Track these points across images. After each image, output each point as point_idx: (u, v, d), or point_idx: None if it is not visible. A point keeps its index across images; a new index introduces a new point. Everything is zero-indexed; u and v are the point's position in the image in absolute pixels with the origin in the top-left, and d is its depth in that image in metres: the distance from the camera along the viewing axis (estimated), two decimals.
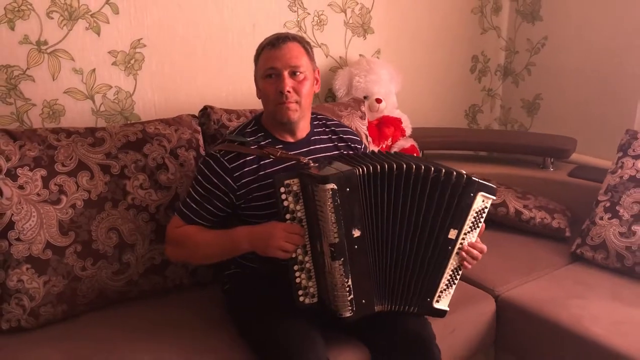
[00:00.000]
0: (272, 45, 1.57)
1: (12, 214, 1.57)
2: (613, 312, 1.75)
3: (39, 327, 1.61)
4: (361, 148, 1.77)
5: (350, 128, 1.84)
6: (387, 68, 2.55)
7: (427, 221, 1.49)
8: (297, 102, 1.56)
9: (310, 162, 1.52)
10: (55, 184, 1.63)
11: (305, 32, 2.48)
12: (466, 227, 1.50)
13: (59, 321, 1.64)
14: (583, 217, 2.18)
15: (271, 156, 1.57)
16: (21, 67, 1.90)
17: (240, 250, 1.54)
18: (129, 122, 2.11)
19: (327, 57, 2.59)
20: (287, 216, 1.46)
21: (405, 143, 2.55)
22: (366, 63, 2.52)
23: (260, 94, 1.62)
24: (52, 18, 1.92)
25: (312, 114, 1.73)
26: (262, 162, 1.59)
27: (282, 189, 1.44)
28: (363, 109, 2.32)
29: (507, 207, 2.31)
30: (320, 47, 2.55)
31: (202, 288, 1.84)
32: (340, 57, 2.63)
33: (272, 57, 1.56)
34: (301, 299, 1.49)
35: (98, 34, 2.01)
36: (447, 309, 1.58)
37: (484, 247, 1.57)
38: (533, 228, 2.29)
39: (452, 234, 1.50)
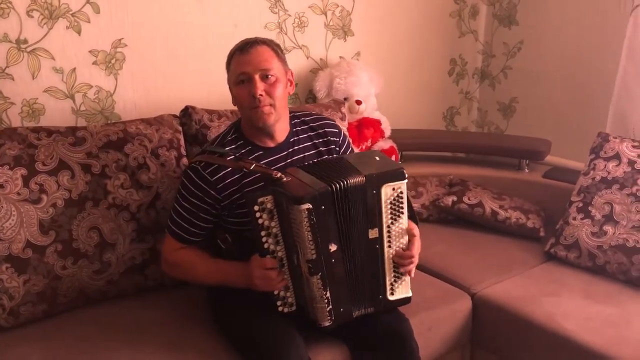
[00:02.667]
0: (242, 51, 1.57)
1: None
2: (584, 309, 1.80)
3: (19, 326, 1.61)
4: (339, 140, 1.77)
5: (329, 119, 1.83)
6: (367, 70, 2.59)
7: (357, 227, 1.49)
8: (271, 104, 1.56)
9: (283, 176, 1.50)
10: (36, 183, 1.63)
11: (286, 34, 2.50)
12: (386, 221, 1.50)
13: (39, 320, 1.64)
14: (557, 217, 2.23)
15: (244, 169, 1.57)
16: (0, 66, 1.89)
17: (238, 287, 1.56)
18: (109, 121, 2.11)
19: (307, 58, 2.61)
20: (262, 233, 1.46)
21: (384, 144, 2.59)
22: (346, 65, 2.55)
23: (235, 100, 1.62)
24: (32, 17, 1.91)
25: (290, 112, 1.73)
26: (244, 172, 1.59)
27: (256, 207, 1.44)
28: (343, 110, 2.35)
29: (483, 208, 2.36)
30: (301, 48, 2.57)
31: (184, 287, 1.84)
32: (320, 59, 2.65)
33: (242, 62, 1.56)
34: (280, 308, 1.52)
35: (79, 33, 2.01)
36: (409, 294, 1.59)
37: (413, 251, 1.54)
38: (508, 228, 2.34)
39: (373, 233, 1.50)
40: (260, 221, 1.45)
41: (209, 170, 1.57)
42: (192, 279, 1.68)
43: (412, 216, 1.61)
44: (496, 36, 3.17)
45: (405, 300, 1.59)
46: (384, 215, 1.49)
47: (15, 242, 1.58)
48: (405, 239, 1.55)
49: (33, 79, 1.96)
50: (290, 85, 1.66)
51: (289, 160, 1.65)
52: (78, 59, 2.03)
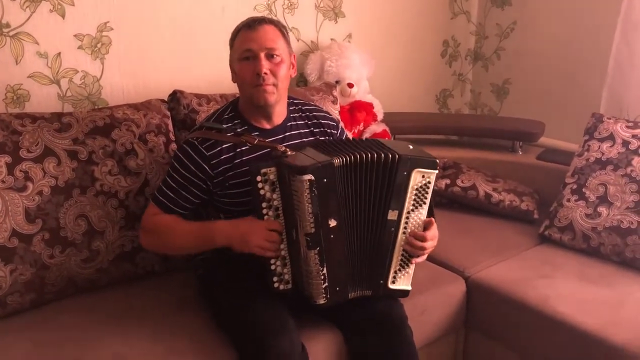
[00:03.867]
0: (249, 27, 1.55)
1: None
2: (579, 291, 1.79)
3: (7, 316, 1.58)
4: (337, 133, 1.76)
5: (327, 112, 1.82)
6: (359, 53, 2.55)
7: (373, 205, 1.48)
8: (274, 84, 1.55)
9: (288, 150, 1.50)
10: (21, 171, 1.60)
11: (275, 16, 2.45)
12: (408, 206, 1.49)
13: (27, 310, 1.61)
14: (551, 199, 2.22)
15: (248, 144, 1.55)
16: None
17: (216, 244, 1.52)
18: (96, 107, 2.07)
19: (298, 41, 2.57)
20: (263, 204, 1.45)
21: (377, 128, 2.55)
22: (338, 47, 2.51)
23: (236, 77, 1.60)
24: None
25: (289, 98, 1.71)
26: (238, 150, 1.57)
27: (259, 178, 1.42)
28: (335, 93, 2.32)
29: (477, 190, 2.34)
30: (291, 30, 2.52)
31: (175, 274, 1.83)
32: (311, 42, 2.61)
33: (249, 39, 1.54)
34: (276, 285, 1.50)
35: (63, 16, 1.96)
36: (408, 288, 1.57)
37: (428, 234, 1.51)
38: (502, 210, 2.32)
39: (392, 214, 1.48)
40: (262, 192, 1.43)
41: (206, 145, 1.55)
42: (170, 244, 1.60)
43: (431, 214, 1.58)
44: (489, 17, 3.13)
45: (404, 293, 1.57)
46: (407, 199, 1.47)
47: (0, 231, 1.55)
48: (420, 230, 1.53)
49: (16, 64, 1.91)
50: (292, 68, 1.64)
51: (285, 144, 1.62)
52: (63, 43, 1.98)
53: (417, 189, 1.48)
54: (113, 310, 1.63)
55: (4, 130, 1.61)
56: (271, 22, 1.58)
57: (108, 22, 2.05)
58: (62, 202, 1.64)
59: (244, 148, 1.57)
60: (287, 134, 1.66)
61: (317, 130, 1.72)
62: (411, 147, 1.54)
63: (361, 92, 2.56)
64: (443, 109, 3.27)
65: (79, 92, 2.06)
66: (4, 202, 1.56)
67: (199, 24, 2.25)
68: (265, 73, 1.52)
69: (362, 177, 1.46)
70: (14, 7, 1.87)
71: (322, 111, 1.79)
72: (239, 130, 1.59)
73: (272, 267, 1.48)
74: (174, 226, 1.56)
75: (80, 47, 2.02)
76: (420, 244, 1.51)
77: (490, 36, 3.15)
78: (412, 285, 1.59)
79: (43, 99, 1.99)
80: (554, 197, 2.19)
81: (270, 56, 1.54)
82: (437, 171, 1.49)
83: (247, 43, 1.54)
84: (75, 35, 2.00)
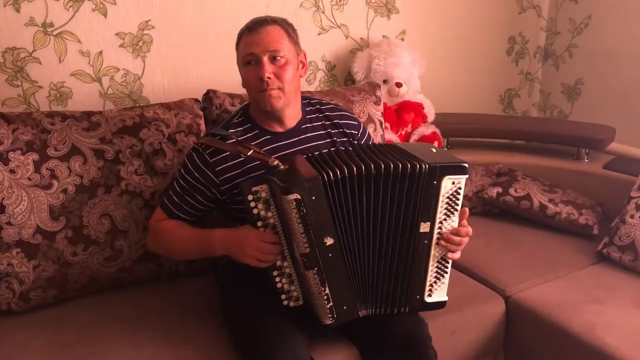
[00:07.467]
0: (250, 30, 1.49)
1: (3, 198, 1.56)
2: (632, 320, 1.60)
3: (30, 310, 1.62)
4: (357, 134, 1.67)
5: (349, 112, 1.73)
6: (409, 51, 2.42)
7: (398, 218, 1.37)
8: (279, 88, 1.48)
9: (280, 164, 1.42)
10: (47, 169, 1.62)
11: (323, 12, 2.38)
12: (440, 216, 1.39)
13: (50, 305, 1.64)
14: (617, 213, 2.00)
15: (241, 155, 1.49)
16: (27, 49, 1.90)
17: (215, 253, 1.48)
18: (137, 105, 2.09)
19: (347, 38, 2.47)
20: (259, 224, 1.37)
21: (426, 130, 2.42)
22: (387, 45, 2.39)
23: (243, 82, 1.54)
24: None
25: (305, 98, 1.64)
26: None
27: (250, 197, 1.35)
28: (378, 93, 2.20)
29: (531, 201, 2.16)
30: (339, 27, 2.44)
31: (198, 277, 1.81)
32: (361, 39, 2.51)
33: (251, 43, 1.48)
34: (285, 302, 1.43)
35: (105, 15, 1.99)
36: (445, 299, 1.48)
37: (469, 229, 1.44)
38: (558, 224, 2.13)
39: (424, 227, 1.38)
40: (255, 211, 1.36)
41: (210, 151, 1.51)
42: (172, 249, 1.57)
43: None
44: (561, 11, 2.89)
45: (440, 305, 1.47)
46: (438, 209, 1.38)
47: (25, 227, 1.58)
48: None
49: (60, 62, 1.96)
50: (302, 68, 1.56)
51: (299, 148, 1.56)
52: (104, 41, 2.01)
53: (448, 197, 1.38)
54: (131, 312, 1.63)
55: (34, 129, 1.64)
56: (274, 21, 1.50)
57: (149, 20, 2.06)
58: (86, 201, 1.66)
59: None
60: (303, 136, 1.58)
61: (335, 131, 1.64)
62: (434, 150, 1.44)
63: (411, 92, 2.44)
64: (508, 109, 3.06)
65: (121, 90, 2.08)
66: (30, 199, 1.59)
67: (241, 22, 2.17)
68: (269, 77, 1.45)
69: (378, 189, 1.35)
70: (58, 7, 1.91)
71: (342, 110, 1.70)
72: (248, 135, 1.54)
73: (278, 284, 1.41)
74: (176, 232, 1.53)
75: (121, 46, 2.04)
76: (457, 239, 1.41)
77: (563, 32, 2.91)
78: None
79: (85, 97, 2.03)
80: (620, 211, 1.97)
81: (274, 58, 1.47)
82: (467, 175, 1.38)
83: (250, 47, 1.48)
84: (116, 34, 2.02)
